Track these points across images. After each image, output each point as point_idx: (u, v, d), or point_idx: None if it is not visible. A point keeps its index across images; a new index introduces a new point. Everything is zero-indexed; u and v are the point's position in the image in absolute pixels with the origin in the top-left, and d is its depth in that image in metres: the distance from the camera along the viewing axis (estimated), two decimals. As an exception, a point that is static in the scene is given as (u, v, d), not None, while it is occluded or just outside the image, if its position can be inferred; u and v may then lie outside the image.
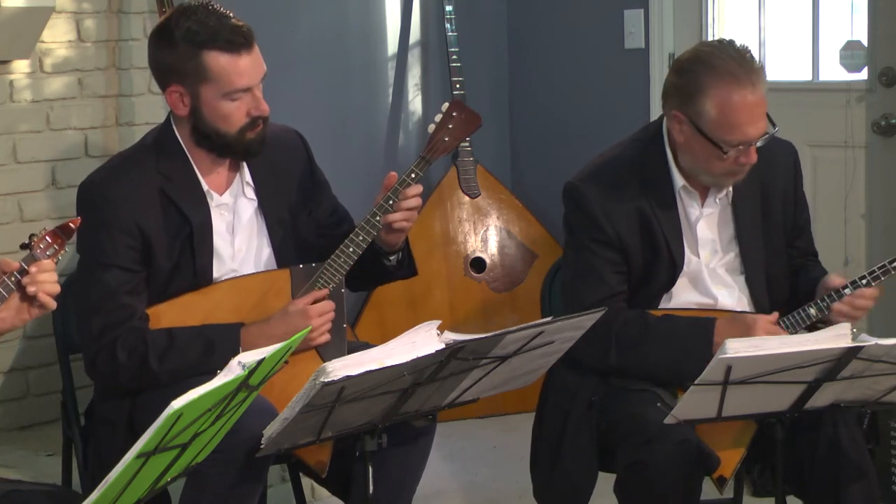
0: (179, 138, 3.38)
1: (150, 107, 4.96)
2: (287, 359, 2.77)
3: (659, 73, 5.46)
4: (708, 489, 3.28)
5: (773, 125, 3.37)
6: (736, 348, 2.85)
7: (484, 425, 5.28)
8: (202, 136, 3.36)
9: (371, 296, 5.34)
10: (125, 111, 4.91)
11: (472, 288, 5.50)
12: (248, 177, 3.44)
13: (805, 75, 5.24)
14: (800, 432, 3.24)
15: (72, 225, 2.80)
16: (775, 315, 3.35)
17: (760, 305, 3.46)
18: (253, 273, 3.40)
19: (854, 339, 2.92)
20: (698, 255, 3.46)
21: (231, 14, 3.35)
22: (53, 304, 2.82)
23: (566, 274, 3.54)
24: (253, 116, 3.34)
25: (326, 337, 3.35)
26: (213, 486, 3.09)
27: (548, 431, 3.48)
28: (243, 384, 2.55)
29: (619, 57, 5.60)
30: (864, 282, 3.35)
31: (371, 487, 3.01)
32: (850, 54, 5.08)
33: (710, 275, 3.47)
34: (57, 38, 4.74)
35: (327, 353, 3.32)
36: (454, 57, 5.51)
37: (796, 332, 3.35)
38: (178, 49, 3.31)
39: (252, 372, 2.55)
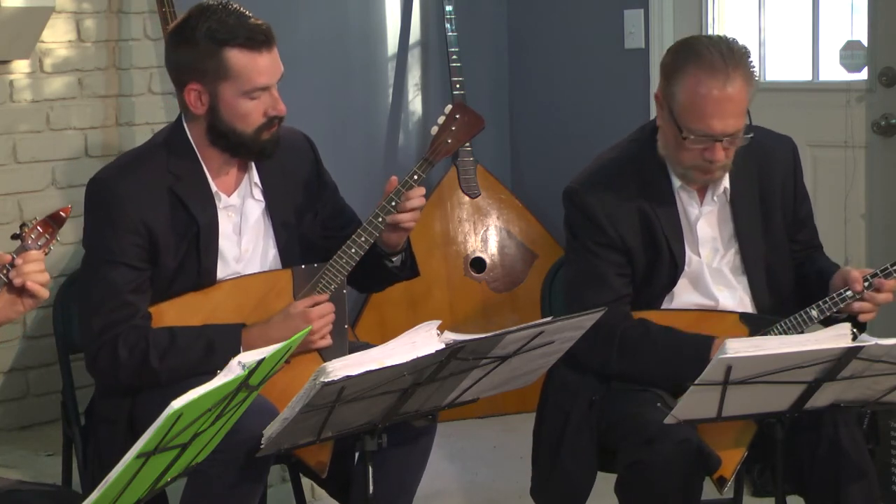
0: (191, 138, 3.38)
1: (150, 107, 4.96)
2: (288, 359, 2.77)
3: (659, 74, 5.46)
4: (708, 489, 3.28)
5: (749, 132, 3.34)
6: (736, 348, 2.85)
7: (484, 425, 5.28)
8: (218, 135, 3.35)
9: (371, 296, 5.34)
10: (125, 111, 4.91)
11: (472, 288, 5.50)
12: (256, 178, 3.44)
13: (805, 75, 5.24)
14: (800, 432, 3.24)
15: (63, 214, 2.79)
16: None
17: (762, 305, 3.46)
18: (255, 273, 3.41)
19: (854, 339, 2.92)
20: (699, 255, 3.46)
21: (249, 13, 3.35)
22: (45, 294, 2.80)
23: (569, 278, 3.53)
24: (270, 116, 3.35)
25: (328, 341, 3.35)
26: (214, 487, 3.09)
27: (548, 431, 3.48)
28: (243, 384, 2.55)
29: (619, 57, 5.60)
30: (883, 273, 3.33)
31: (371, 487, 3.01)
32: (850, 54, 5.08)
33: (711, 275, 3.47)
34: (57, 38, 4.74)
35: (329, 353, 3.32)
36: (454, 57, 5.51)
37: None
38: (199, 47, 3.30)
39: (252, 372, 2.55)
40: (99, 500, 2.43)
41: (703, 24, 5.41)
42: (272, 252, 3.44)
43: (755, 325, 3.40)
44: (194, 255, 3.34)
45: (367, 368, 2.72)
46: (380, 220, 3.36)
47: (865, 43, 5.02)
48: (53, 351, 3.68)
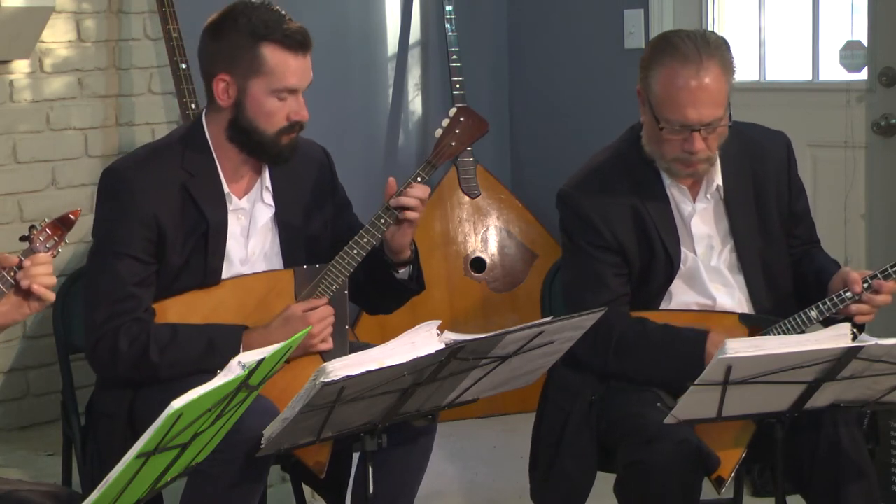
0: (209, 136, 3.39)
1: (150, 107, 4.96)
2: (288, 359, 2.77)
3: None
4: (708, 489, 3.28)
5: (729, 119, 3.36)
6: (736, 348, 2.85)
7: (484, 425, 5.28)
8: (239, 130, 3.35)
9: (371, 296, 5.34)
10: (125, 111, 4.91)
11: (472, 288, 5.50)
12: (268, 182, 3.44)
13: (805, 75, 5.24)
14: (800, 432, 3.24)
15: (72, 216, 2.80)
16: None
17: (760, 304, 3.46)
18: (257, 273, 3.41)
19: (854, 339, 2.92)
20: (695, 252, 3.46)
21: (288, 16, 3.37)
22: (51, 296, 2.81)
23: (566, 280, 3.54)
24: (293, 121, 3.35)
25: (328, 344, 3.35)
26: (214, 486, 3.09)
27: (548, 431, 3.48)
28: (243, 384, 2.55)
29: (619, 57, 5.60)
30: (882, 275, 3.33)
31: (371, 487, 3.01)
32: (850, 54, 5.08)
33: (708, 274, 3.46)
34: (57, 38, 4.75)
35: (329, 354, 3.32)
36: (454, 57, 5.51)
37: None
38: (237, 39, 3.32)
39: (252, 372, 2.55)
40: (99, 500, 2.43)
41: (703, 24, 5.41)
42: (278, 258, 3.45)
43: (755, 325, 3.40)
44: (201, 254, 3.35)
45: (367, 368, 2.72)
46: (382, 221, 3.36)
47: (865, 43, 5.02)
48: (53, 351, 3.68)
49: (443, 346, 2.79)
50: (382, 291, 3.54)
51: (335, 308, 3.37)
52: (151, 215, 3.30)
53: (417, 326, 2.81)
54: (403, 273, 3.51)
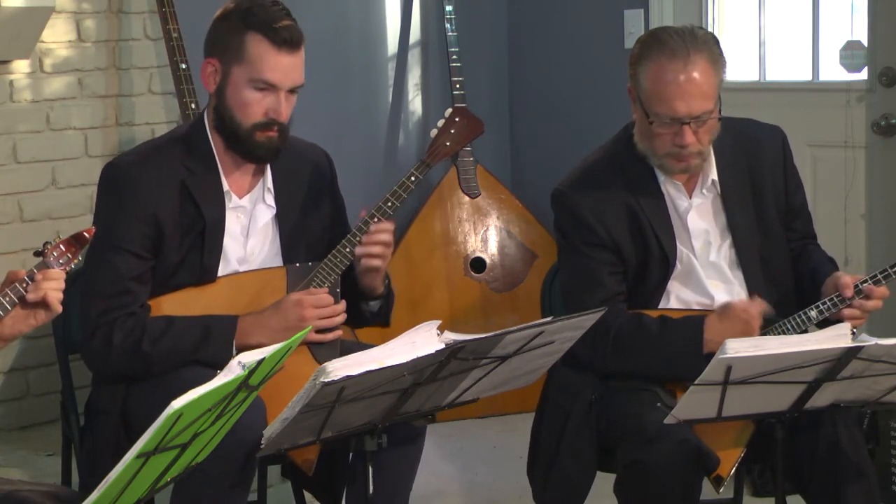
0: (209, 134, 3.40)
1: (150, 107, 4.96)
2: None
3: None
4: (708, 489, 3.28)
5: (719, 113, 3.37)
6: (736, 348, 2.85)
7: (484, 425, 5.28)
8: (220, 118, 3.38)
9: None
10: (125, 111, 4.91)
11: (472, 288, 5.50)
12: (270, 183, 3.45)
13: (805, 75, 5.24)
14: (800, 432, 3.24)
15: (86, 234, 2.82)
16: (761, 303, 3.35)
17: (761, 296, 3.46)
18: (251, 270, 3.41)
19: (854, 339, 2.92)
20: (692, 248, 3.46)
21: (291, 15, 3.38)
22: (58, 308, 2.82)
23: (563, 280, 3.54)
24: (270, 117, 3.35)
25: (323, 335, 3.35)
26: (202, 487, 3.08)
27: (548, 431, 3.48)
28: (243, 384, 2.55)
29: (619, 57, 5.57)
30: (873, 280, 3.34)
31: (371, 487, 3.01)
32: (850, 54, 5.08)
33: (706, 271, 3.46)
34: (57, 38, 4.75)
35: (319, 351, 3.32)
36: (454, 57, 5.51)
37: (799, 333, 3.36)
38: (229, 25, 3.36)
39: (252, 372, 2.55)
40: (99, 500, 2.43)
41: (703, 24, 5.40)
42: (277, 259, 3.45)
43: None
44: (198, 252, 3.36)
45: (367, 368, 2.72)
46: (375, 220, 3.37)
47: (865, 43, 5.02)
48: (53, 351, 3.68)
49: (443, 346, 2.79)
50: (348, 311, 3.53)
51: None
52: (151, 212, 3.31)
53: (417, 326, 2.81)
54: (373, 305, 3.51)
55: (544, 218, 5.57)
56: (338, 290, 3.40)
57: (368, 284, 3.44)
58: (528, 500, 3.58)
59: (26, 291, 2.79)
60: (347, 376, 2.70)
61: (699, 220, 3.48)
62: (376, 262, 3.39)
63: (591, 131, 5.57)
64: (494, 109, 5.90)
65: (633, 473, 3.22)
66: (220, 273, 3.39)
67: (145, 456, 2.42)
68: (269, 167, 3.45)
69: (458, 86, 5.48)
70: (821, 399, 3.03)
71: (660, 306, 3.46)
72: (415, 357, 2.76)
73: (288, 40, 3.33)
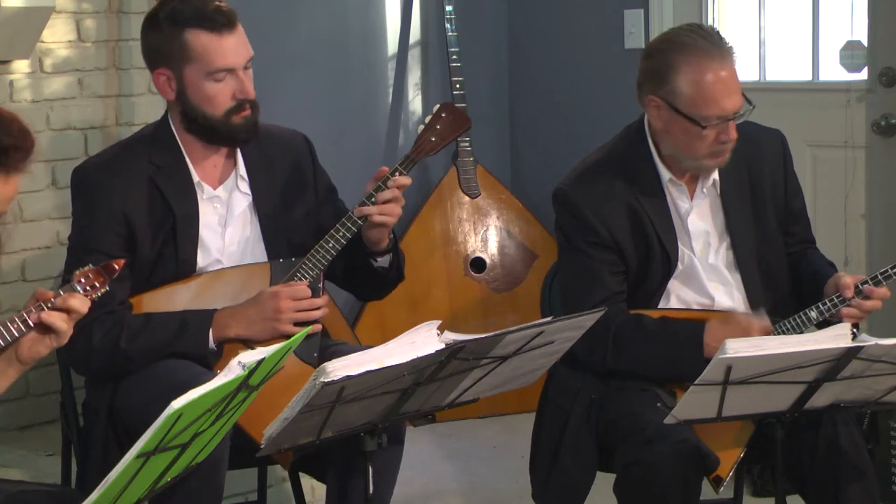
0: (174, 129, 3.42)
1: (150, 107, 4.95)
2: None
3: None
4: (708, 489, 3.28)
5: (751, 103, 3.37)
6: (736, 348, 2.85)
7: (484, 425, 5.28)
8: (190, 120, 3.39)
9: (371, 296, 5.34)
10: (125, 111, 4.91)
11: (472, 288, 5.50)
12: (243, 171, 3.45)
13: (805, 75, 5.24)
14: (799, 432, 3.24)
15: (116, 266, 2.81)
16: (766, 319, 3.35)
17: (757, 303, 3.45)
18: (233, 266, 3.42)
19: (854, 339, 2.92)
20: (692, 249, 3.46)
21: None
22: (62, 332, 2.77)
23: (563, 279, 3.54)
24: (239, 99, 3.36)
25: (303, 327, 3.33)
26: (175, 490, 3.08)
27: (548, 430, 3.48)
28: (243, 384, 2.55)
29: (619, 57, 5.59)
30: (873, 281, 3.34)
31: (371, 487, 3.01)
32: (850, 54, 5.08)
33: (706, 272, 3.46)
34: (57, 38, 4.74)
35: (300, 350, 3.32)
36: (454, 57, 5.51)
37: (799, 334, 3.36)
38: (163, 30, 3.36)
39: (252, 372, 2.55)
40: (99, 500, 2.43)
41: (703, 23, 5.40)
42: (259, 245, 3.46)
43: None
44: (172, 245, 3.38)
45: (367, 368, 2.72)
46: (361, 220, 3.37)
47: (865, 43, 5.02)
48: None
49: (443, 346, 2.79)
50: (363, 278, 3.54)
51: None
52: (120, 211, 3.34)
53: (417, 326, 2.81)
54: (383, 261, 3.50)
55: (544, 218, 5.57)
56: (320, 286, 3.39)
57: (374, 238, 3.42)
58: (528, 500, 3.58)
59: (38, 311, 2.76)
60: (347, 376, 2.70)
61: (699, 221, 3.48)
62: (384, 219, 3.36)
63: (591, 131, 5.57)
64: (494, 109, 5.90)
65: (633, 473, 3.22)
66: (200, 264, 3.40)
67: (145, 456, 2.42)
68: (240, 155, 3.45)
69: (458, 86, 5.48)
70: (821, 399, 3.03)
71: (660, 306, 3.46)
72: (415, 357, 2.76)
73: (224, 22, 3.34)
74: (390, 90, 5.68)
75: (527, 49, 5.91)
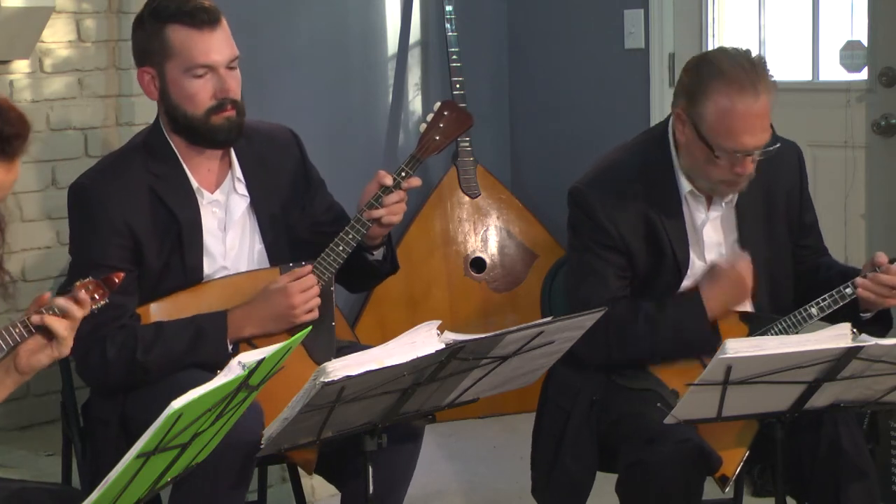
0: (167, 136, 3.39)
1: (150, 107, 4.91)
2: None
3: (659, 74, 5.46)
4: (709, 489, 3.28)
5: (775, 140, 3.34)
6: (736, 348, 2.85)
7: (484, 425, 5.28)
8: (173, 119, 3.37)
9: (371, 296, 5.34)
10: (125, 111, 4.91)
11: (472, 288, 5.50)
12: (238, 173, 3.43)
13: (805, 75, 5.24)
14: (800, 432, 3.24)
15: (115, 279, 2.80)
16: (744, 255, 3.36)
17: (762, 311, 3.46)
18: (243, 272, 3.40)
19: (854, 339, 2.92)
20: (705, 260, 3.45)
21: None
22: (63, 339, 2.76)
23: (569, 276, 3.53)
24: (220, 99, 3.33)
25: (314, 314, 3.33)
26: (200, 486, 3.08)
27: (548, 431, 3.48)
28: (243, 384, 2.55)
29: (619, 57, 5.60)
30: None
31: (371, 487, 3.01)
32: (850, 54, 5.08)
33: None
34: (57, 38, 4.74)
35: (315, 350, 3.32)
36: (454, 57, 5.51)
37: (797, 332, 3.36)
38: (146, 28, 3.35)
39: (252, 372, 2.55)
40: (99, 499, 2.43)
41: (703, 24, 5.41)
42: (258, 247, 3.44)
43: (755, 323, 3.40)
44: (178, 253, 3.35)
45: (367, 368, 2.72)
46: (365, 223, 3.37)
47: (865, 43, 5.02)
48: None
49: (443, 346, 2.79)
50: (358, 272, 3.52)
51: (321, 303, 3.36)
52: (123, 223, 3.30)
53: (417, 326, 2.81)
54: (378, 254, 3.50)
55: (544, 218, 5.57)
56: (331, 289, 3.38)
57: (374, 234, 3.41)
58: (527, 500, 3.58)
59: (32, 319, 2.75)
60: (347, 376, 2.70)
61: (713, 232, 3.46)
62: (392, 220, 3.36)
63: (591, 131, 5.59)
64: (494, 109, 5.90)
65: (634, 473, 3.22)
66: (206, 270, 3.38)
67: (145, 456, 2.42)
68: (234, 157, 3.43)
69: (458, 86, 5.48)
70: (821, 399, 3.03)
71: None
72: (415, 357, 2.76)
73: (206, 19, 3.31)
74: (390, 90, 5.68)
75: (527, 49, 5.91)
